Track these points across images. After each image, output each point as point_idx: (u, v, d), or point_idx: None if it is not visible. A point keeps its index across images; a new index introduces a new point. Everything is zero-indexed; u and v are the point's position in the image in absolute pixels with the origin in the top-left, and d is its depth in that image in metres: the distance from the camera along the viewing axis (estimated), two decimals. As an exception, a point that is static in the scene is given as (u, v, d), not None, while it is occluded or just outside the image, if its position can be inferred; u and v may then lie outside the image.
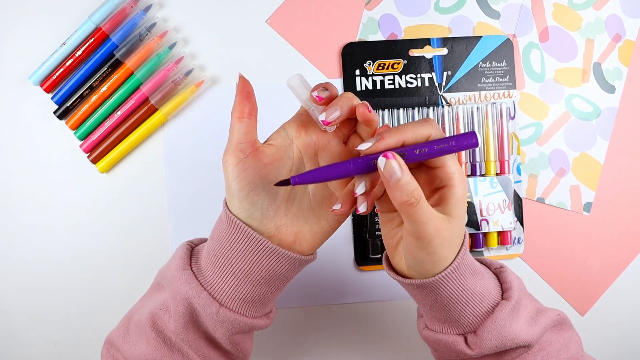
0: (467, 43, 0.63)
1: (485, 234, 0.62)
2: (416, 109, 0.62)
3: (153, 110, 0.62)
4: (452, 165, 0.40)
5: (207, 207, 0.62)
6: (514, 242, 0.63)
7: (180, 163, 0.63)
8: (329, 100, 0.40)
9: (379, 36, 0.63)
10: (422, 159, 0.39)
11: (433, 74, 0.63)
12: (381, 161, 0.37)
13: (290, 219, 0.42)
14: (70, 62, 0.61)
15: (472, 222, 0.62)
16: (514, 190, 0.63)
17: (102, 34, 0.61)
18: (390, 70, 0.63)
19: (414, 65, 0.63)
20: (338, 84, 0.63)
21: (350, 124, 0.43)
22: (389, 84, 0.63)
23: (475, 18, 0.64)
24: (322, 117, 0.39)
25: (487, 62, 0.63)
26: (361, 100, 0.41)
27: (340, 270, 0.63)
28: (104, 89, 0.61)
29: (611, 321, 0.64)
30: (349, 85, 0.63)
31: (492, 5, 0.64)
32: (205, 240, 0.48)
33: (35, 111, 0.63)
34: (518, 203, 0.63)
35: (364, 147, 0.38)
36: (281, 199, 0.42)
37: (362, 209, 0.40)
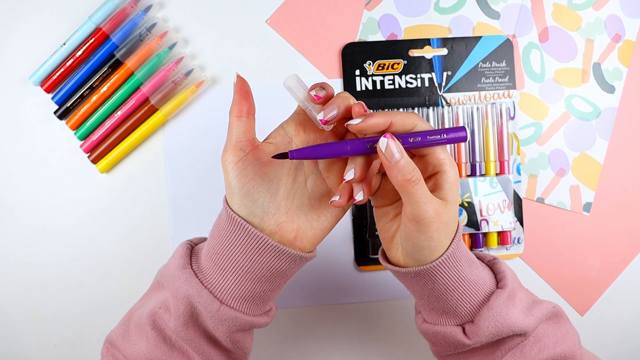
0: (467, 43, 0.63)
1: (485, 234, 0.62)
2: (416, 109, 0.62)
3: (153, 110, 0.62)
4: (441, 152, 0.42)
5: (207, 207, 0.62)
6: (513, 242, 0.63)
7: (180, 163, 0.63)
8: (326, 99, 0.41)
9: (379, 36, 0.64)
10: (414, 147, 0.41)
11: (433, 74, 0.63)
12: (382, 142, 0.39)
13: (291, 216, 0.43)
14: (70, 62, 0.61)
15: (472, 222, 0.62)
16: (514, 191, 0.63)
17: (103, 34, 0.61)
18: (390, 71, 0.63)
19: (414, 66, 0.63)
20: (338, 84, 0.63)
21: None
22: (389, 84, 0.63)
23: (475, 18, 0.64)
24: (320, 116, 0.40)
25: (487, 63, 0.63)
26: (358, 100, 0.42)
27: (340, 270, 0.63)
28: (104, 89, 0.62)
29: (611, 321, 0.64)
30: (349, 85, 0.63)
31: (492, 5, 0.64)
32: (204, 239, 0.48)
33: (35, 111, 0.63)
34: (518, 203, 0.63)
35: (353, 122, 0.40)
36: (281, 196, 0.43)
37: (358, 197, 0.41)
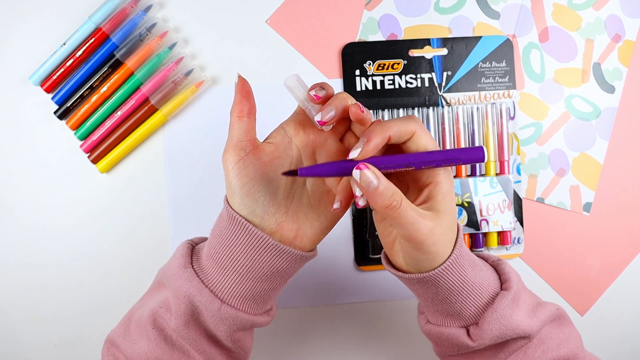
0: (467, 43, 0.63)
1: (485, 234, 0.62)
2: (416, 109, 0.62)
3: (153, 110, 0.62)
4: None
5: (207, 207, 0.62)
6: (513, 242, 0.63)
7: (180, 163, 0.63)
8: (326, 99, 0.41)
9: (379, 36, 0.64)
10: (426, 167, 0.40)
11: (433, 74, 0.63)
12: (356, 173, 0.39)
13: (291, 215, 0.43)
14: (70, 62, 0.61)
15: (472, 222, 0.62)
16: (514, 191, 0.63)
17: (103, 34, 0.61)
18: (390, 71, 0.63)
19: (414, 66, 0.63)
20: (338, 84, 0.63)
21: (346, 122, 0.44)
22: (389, 84, 0.63)
23: (475, 18, 0.64)
24: (317, 118, 0.40)
25: (487, 63, 0.63)
26: (358, 101, 0.42)
27: (340, 270, 0.63)
28: (104, 89, 0.62)
29: (611, 321, 0.64)
30: (349, 85, 0.63)
31: (492, 5, 0.64)
32: (205, 239, 0.48)
33: (35, 111, 0.63)
34: (518, 203, 0.63)
35: (354, 154, 0.39)
36: (281, 196, 0.43)
37: (361, 202, 0.40)
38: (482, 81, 0.63)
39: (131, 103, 0.62)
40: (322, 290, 0.63)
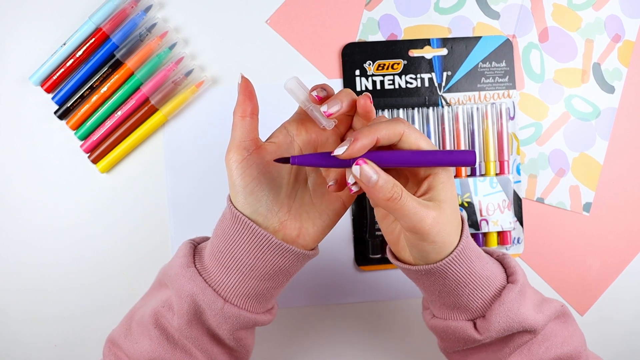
0: (467, 43, 0.63)
1: (485, 234, 0.62)
2: (416, 109, 0.62)
3: (153, 110, 0.62)
4: None
5: (207, 207, 0.62)
6: (513, 242, 0.63)
7: (180, 163, 0.63)
8: (327, 99, 0.42)
9: (378, 36, 0.64)
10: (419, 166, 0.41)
11: (433, 74, 0.63)
12: (355, 169, 0.39)
13: (293, 214, 0.44)
14: (70, 62, 0.61)
15: (472, 222, 0.62)
16: (514, 191, 0.63)
17: (103, 35, 0.61)
18: (390, 71, 0.63)
19: (414, 66, 0.63)
20: (338, 84, 0.63)
21: (347, 122, 0.45)
22: (389, 84, 0.63)
23: (475, 18, 0.64)
24: (323, 109, 0.41)
25: (487, 63, 0.63)
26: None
27: (340, 270, 0.63)
28: (104, 89, 0.62)
29: (611, 321, 0.64)
30: (349, 85, 0.63)
31: (492, 5, 0.64)
32: (207, 238, 0.48)
33: (35, 111, 0.63)
34: (518, 203, 0.63)
35: (339, 152, 0.39)
36: (284, 195, 0.44)
37: (354, 188, 0.41)
38: (482, 81, 0.63)
39: (131, 103, 0.62)
40: (322, 290, 0.63)
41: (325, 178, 0.45)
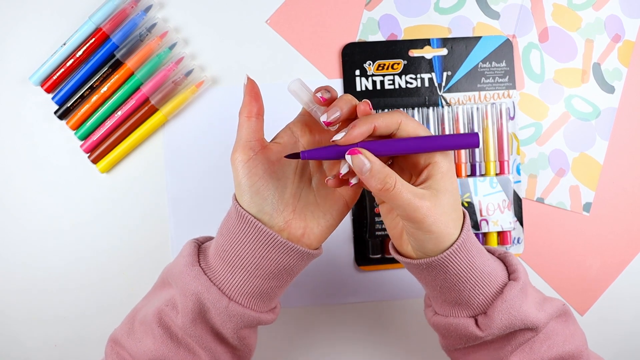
0: (467, 43, 0.63)
1: (485, 234, 0.62)
2: (416, 109, 0.62)
3: (153, 110, 0.62)
4: None
5: (207, 207, 0.62)
6: (513, 242, 0.63)
7: (180, 163, 0.63)
8: (331, 101, 0.42)
9: (378, 36, 0.64)
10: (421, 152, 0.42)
11: (433, 74, 0.63)
12: (348, 158, 0.40)
13: (298, 213, 0.44)
14: (70, 62, 0.61)
15: (472, 222, 0.62)
16: (514, 191, 0.63)
17: (103, 35, 0.61)
18: (390, 71, 0.63)
19: (414, 66, 0.63)
20: (338, 84, 0.63)
21: (350, 122, 0.45)
22: (389, 85, 0.63)
23: (475, 18, 0.64)
24: (323, 118, 0.41)
25: (487, 63, 0.63)
26: (358, 101, 0.43)
27: (340, 270, 0.63)
28: (104, 89, 0.62)
29: (611, 321, 0.64)
30: (349, 85, 0.63)
31: (492, 5, 0.64)
32: (210, 238, 0.49)
33: (35, 111, 0.63)
34: (518, 203, 0.63)
35: (338, 137, 0.40)
36: (289, 195, 0.44)
37: (353, 181, 0.42)
38: (482, 81, 0.63)
39: (131, 103, 0.62)
40: (322, 290, 0.63)
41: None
